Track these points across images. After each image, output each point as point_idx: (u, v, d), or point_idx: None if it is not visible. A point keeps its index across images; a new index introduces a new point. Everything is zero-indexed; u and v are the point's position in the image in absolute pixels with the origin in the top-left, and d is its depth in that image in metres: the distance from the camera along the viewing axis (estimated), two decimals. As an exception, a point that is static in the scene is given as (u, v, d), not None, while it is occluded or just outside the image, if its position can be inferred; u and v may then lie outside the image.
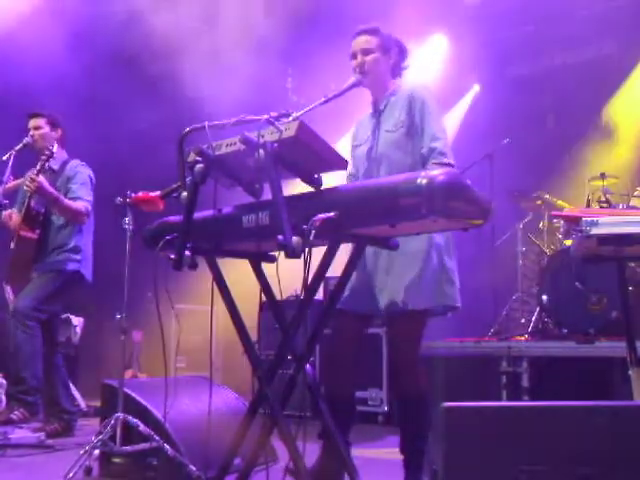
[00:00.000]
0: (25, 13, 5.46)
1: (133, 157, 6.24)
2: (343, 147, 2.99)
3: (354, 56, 2.86)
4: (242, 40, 6.37)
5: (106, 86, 6.13)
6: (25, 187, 4.10)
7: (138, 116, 6.19)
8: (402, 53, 2.94)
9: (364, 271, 2.78)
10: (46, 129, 4.37)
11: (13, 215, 4.32)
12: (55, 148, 4.19)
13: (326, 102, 2.63)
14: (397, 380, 2.81)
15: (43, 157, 4.10)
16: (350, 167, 2.94)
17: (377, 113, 2.92)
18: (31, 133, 4.34)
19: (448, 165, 2.67)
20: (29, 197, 4.17)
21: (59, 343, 4.54)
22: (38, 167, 4.10)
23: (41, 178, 4.07)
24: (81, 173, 4.37)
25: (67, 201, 4.21)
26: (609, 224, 2.36)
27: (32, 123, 4.38)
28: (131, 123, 6.24)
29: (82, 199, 4.28)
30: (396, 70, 2.93)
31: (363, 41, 2.85)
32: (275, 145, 2.11)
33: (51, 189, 4.13)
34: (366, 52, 2.84)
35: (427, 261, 2.70)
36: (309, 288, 2.24)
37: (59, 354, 4.41)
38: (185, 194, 2.29)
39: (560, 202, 6.01)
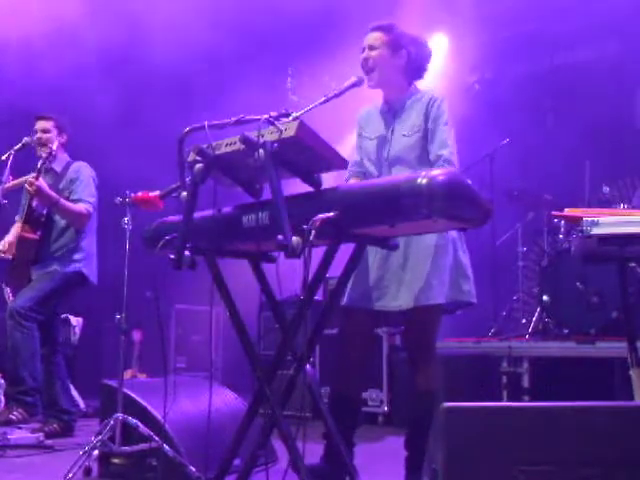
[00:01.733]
0: (23, 13, 5.46)
1: (134, 157, 6.24)
2: (343, 147, 2.99)
3: (362, 50, 2.88)
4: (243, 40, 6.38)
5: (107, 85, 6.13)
6: (27, 187, 4.11)
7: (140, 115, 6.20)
8: (420, 54, 2.91)
9: (377, 267, 2.77)
10: (54, 133, 4.37)
11: (10, 236, 4.31)
12: (55, 146, 4.18)
13: (326, 102, 2.63)
14: (414, 377, 2.79)
15: (43, 155, 4.11)
16: (355, 155, 2.95)
17: (392, 112, 2.90)
18: (38, 135, 4.33)
19: None
20: (31, 198, 4.18)
21: (59, 343, 4.54)
22: (38, 166, 4.11)
23: (40, 181, 4.06)
24: (84, 174, 4.37)
25: (68, 204, 4.21)
26: (610, 224, 2.36)
27: (40, 125, 4.36)
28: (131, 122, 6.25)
29: (84, 201, 4.28)
30: (410, 71, 2.90)
31: (372, 37, 2.87)
32: (275, 145, 2.11)
33: (50, 192, 4.12)
34: (373, 48, 2.85)
35: (444, 255, 2.71)
36: (309, 288, 2.24)
37: (60, 354, 4.41)
38: (185, 194, 2.28)
39: (560, 202, 6.00)
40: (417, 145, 2.78)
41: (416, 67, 2.92)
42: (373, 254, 2.77)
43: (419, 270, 2.69)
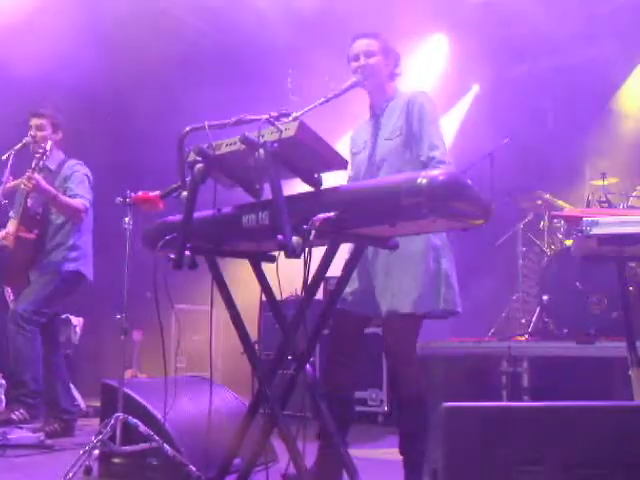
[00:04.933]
0: (27, 9, 5.46)
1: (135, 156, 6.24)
2: (343, 147, 2.99)
3: (355, 58, 2.86)
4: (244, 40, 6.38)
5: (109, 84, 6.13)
6: (22, 186, 4.10)
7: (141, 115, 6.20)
8: (397, 60, 2.95)
9: (364, 273, 2.78)
10: (49, 131, 4.37)
11: (9, 227, 4.30)
12: (48, 145, 4.17)
13: (326, 102, 2.64)
14: (395, 381, 2.81)
15: (37, 155, 4.11)
16: (350, 172, 2.95)
17: (375, 118, 2.93)
18: (32, 133, 4.33)
19: None
20: (26, 197, 4.17)
21: (60, 343, 4.54)
22: (33, 165, 4.10)
23: (37, 176, 4.07)
24: (78, 172, 4.37)
25: (65, 198, 4.21)
26: (609, 224, 2.36)
27: (34, 122, 4.36)
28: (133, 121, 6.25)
29: (80, 196, 4.28)
30: (392, 75, 2.94)
31: (365, 44, 2.86)
32: (275, 145, 2.11)
33: (48, 186, 4.13)
34: (369, 54, 2.84)
35: (424, 263, 2.70)
36: (309, 288, 2.24)
37: (60, 354, 4.41)
38: (185, 194, 2.28)
39: (560, 202, 6.02)
40: (400, 147, 2.79)
41: (394, 72, 2.95)
42: (362, 260, 2.77)
43: (398, 279, 2.70)
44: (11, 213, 4.36)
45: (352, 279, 2.76)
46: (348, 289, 2.79)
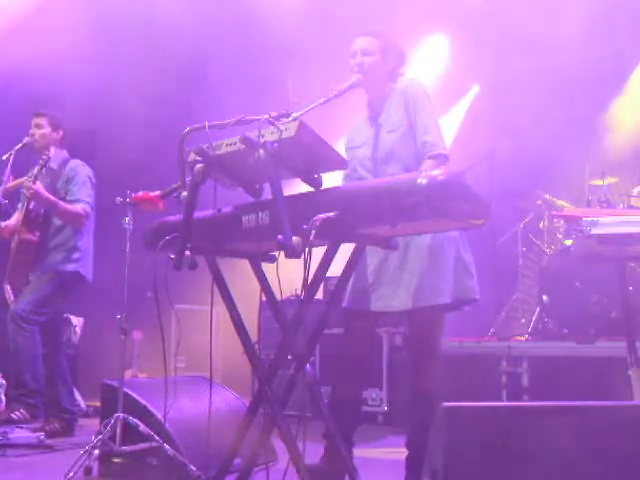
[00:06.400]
0: (28, 10, 5.47)
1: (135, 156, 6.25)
2: (343, 147, 2.99)
3: (353, 55, 2.88)
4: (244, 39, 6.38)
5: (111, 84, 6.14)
6: (23, 193, 4.12)
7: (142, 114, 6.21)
8: (401, 59, 2.95)
9: (374, 268, 2.78)
10: (47, 129, 4.37)
11: (12, 220, 4.31)
12: (52, 152, 4.18)
13: (326, 102, 2.64)
14: (414, 377, 2.80)
15: (41, 161, 4.11)
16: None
17: (375, 115, 2.93)
18: (32, 131, 4.34)
19: (441, 156, 2.70)
20: (28, 200, 4.17)
21: (62, 342, 4.54)
22: (35, 171, 4.10)
23: (37, 185, 4.07)
24: (81, 174, 4.36)
25: (65, 205, 4.21)
26: (609, 224, 2.36)
27: (34, 121, 4.37)
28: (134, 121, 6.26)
29: (81, 201, 4.27)
30: (393, 75, 2.94)
31: (364, 42, 2.88)
32: (275, 145, 2.11)
33: (47, 195, 4.13)
34: (366, 53, 2.86)
35: (444, 255, 2.71)
36: (309, 288, 2.24)
37: (63, 354, 4.41)
38: (185, 194, 2.29)
39: (560, 202, 6.02)
40: (404, 138, 2.80)
41: (396, 72, 2.95)
42: (371, 256, 2.78)
43: (417, 271, 2.69)
44: (19, 205, 4.36)
45: (362, 276, 2.77)
46: (357, 288, 2.79)
